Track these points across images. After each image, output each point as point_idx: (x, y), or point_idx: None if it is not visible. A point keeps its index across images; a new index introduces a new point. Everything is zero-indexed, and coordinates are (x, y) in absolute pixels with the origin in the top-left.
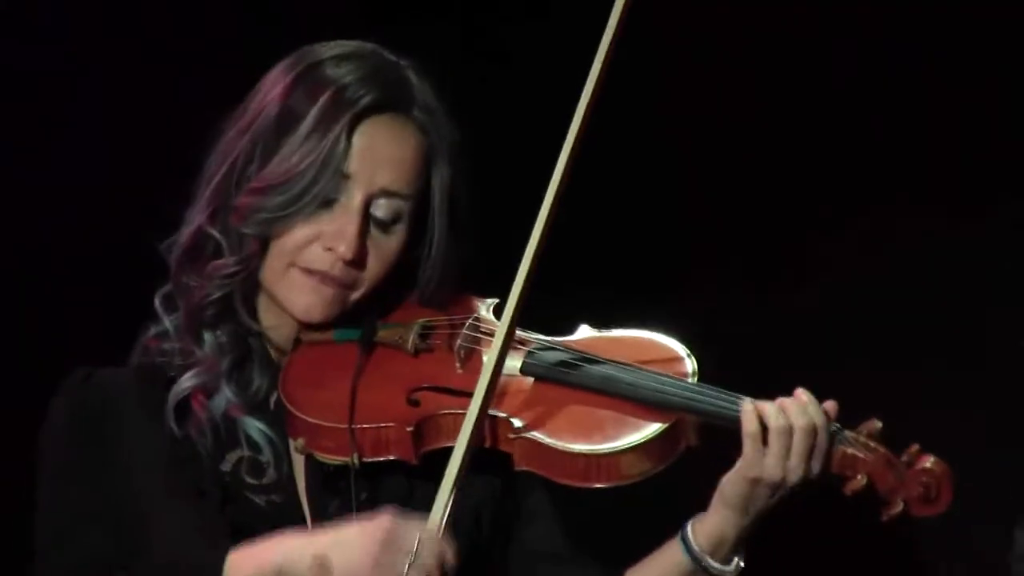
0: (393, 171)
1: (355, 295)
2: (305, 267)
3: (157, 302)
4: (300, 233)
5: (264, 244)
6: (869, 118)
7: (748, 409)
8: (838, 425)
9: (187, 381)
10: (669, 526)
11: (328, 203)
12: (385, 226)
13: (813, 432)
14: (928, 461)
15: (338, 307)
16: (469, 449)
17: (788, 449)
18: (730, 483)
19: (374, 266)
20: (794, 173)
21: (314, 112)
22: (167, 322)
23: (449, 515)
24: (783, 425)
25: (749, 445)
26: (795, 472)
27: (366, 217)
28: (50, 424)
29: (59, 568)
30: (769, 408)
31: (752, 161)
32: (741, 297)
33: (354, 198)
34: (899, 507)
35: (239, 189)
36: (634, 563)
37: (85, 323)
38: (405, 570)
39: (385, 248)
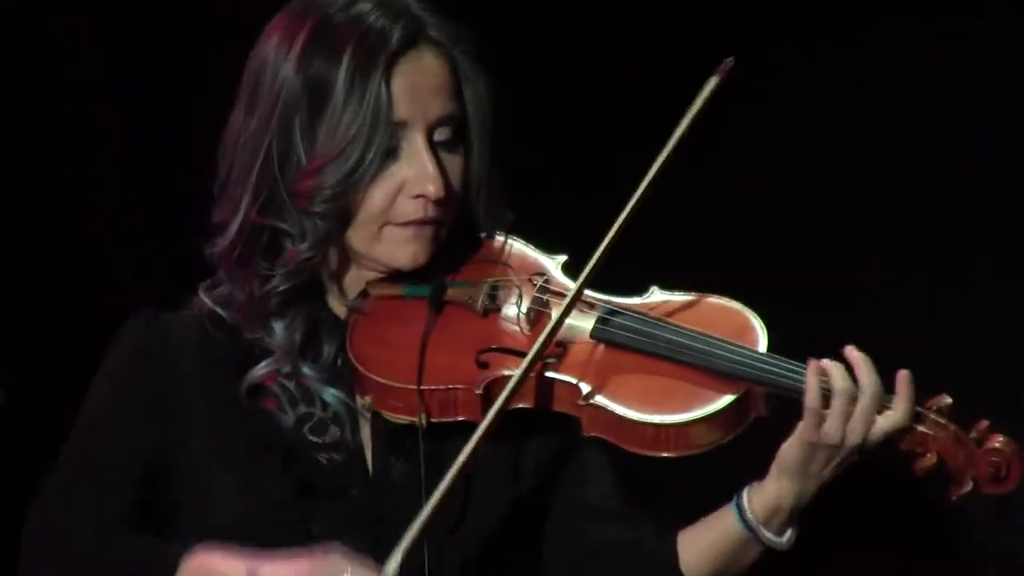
0: (441, 99)
1: (447, 224)
2: (399, 221)
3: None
4: (379, 192)
5: (343, 218)
6: None
7: (812, 371)
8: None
9: (263, 369)
10: (725, 487)
11: (392, 153)
12: (450, 146)
13: (877, 396)
14: (998, 440)
15: (436, 242)
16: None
17: (850, 411)
18: (789, 448)
19: (456, 189)
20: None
21: (343, 74)
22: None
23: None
24: (847, 387)
25: (811, 406)
26: (855, 435)
27: (435, 150)
28: (107, 362)
29: (70, 511)
30: (834, 369)
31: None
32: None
33: (416, 139)
34: (968, 486)
35: (287, 175)
36: (687, 525)
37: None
38: None
39: (458, 166)
